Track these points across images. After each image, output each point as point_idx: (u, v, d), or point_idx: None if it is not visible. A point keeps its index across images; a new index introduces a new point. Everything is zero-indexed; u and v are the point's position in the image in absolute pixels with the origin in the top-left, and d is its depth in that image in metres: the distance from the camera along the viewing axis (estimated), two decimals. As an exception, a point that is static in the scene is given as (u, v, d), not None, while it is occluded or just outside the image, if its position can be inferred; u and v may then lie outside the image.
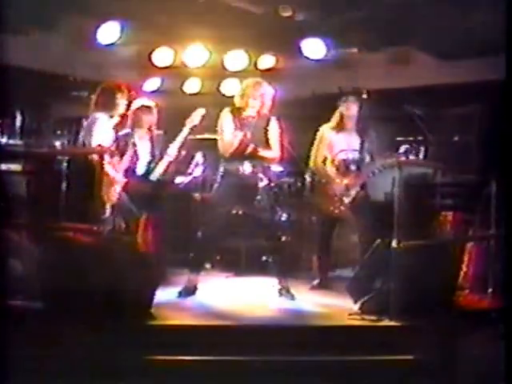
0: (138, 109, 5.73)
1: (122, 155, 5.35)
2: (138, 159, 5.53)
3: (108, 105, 5.13)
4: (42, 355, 3.71)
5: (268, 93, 5.16)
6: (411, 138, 6.29)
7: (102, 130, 5.01)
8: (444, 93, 6.37)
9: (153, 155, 5.67)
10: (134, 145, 5.58)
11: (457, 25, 5.69)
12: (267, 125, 5.12)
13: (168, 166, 5.65)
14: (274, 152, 5.15)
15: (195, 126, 5.47)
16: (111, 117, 5.14)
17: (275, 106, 5.22)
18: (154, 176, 5.63)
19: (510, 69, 4.14)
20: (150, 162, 5.66)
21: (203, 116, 5.44)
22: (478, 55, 6.01)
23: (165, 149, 5.62)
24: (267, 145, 5.12)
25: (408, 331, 4.17)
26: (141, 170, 5.63)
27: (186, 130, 5.49)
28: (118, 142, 5.47)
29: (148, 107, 5.76)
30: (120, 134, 5.64)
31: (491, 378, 3.91)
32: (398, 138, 6.40)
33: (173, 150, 5.53)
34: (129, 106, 5.44)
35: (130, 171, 5.43)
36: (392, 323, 4.28)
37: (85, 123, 5.19)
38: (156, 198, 5.67)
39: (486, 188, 4.99)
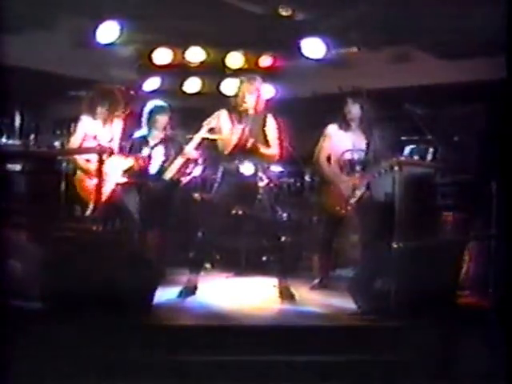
0: (151, 109, 5.76)
1: (137, 157, 5.39)
2: (151, 160, 5.56)
3: (99, 107, 5.15)
4: (42, 355, 3.70)
5: (263, 88, 5.17)
6: (411, 138, 6.29)
7: (81, 132, 5.05)
8: (444, 92, 6.37)
9: (167, 155, 5.70)
10: (148, 146, 5.61)
11: (457, 24, 5.69)
12: (264, 122, 5.10)
13: (182, 166, 5.68)
14: (273, 149, 5.14)
15: (213, 128, 5.47)
16: (95, 119, 5.15)
17: (272, 104, 5.22)
18: (167, 175, 5.65)
19: (511, 68, 4.14)
20: (164, 162, 5.69)
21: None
22: (478, 55, 6.01)
23: (180, 148, 5.64)
24: (265, 142, 5.11)
25: (408, 331, 4.16)
26: (154, 169, 5.66)
27: (203, 131, 5.49)
28: (133, 144, 5.52)
29: (162, 107, 5.78)
30: (136, 136, 5.68)
31: (491, 378, 3.91)
32: (399, 138, 6.39)
33: (189, 150, 5.55)
34: (125, 107, 5.44)
35: (142, 172, 5.47)
36: (392, 323, 4.27)
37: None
38: (168, 197, 5.70)
39: (487, 188, 4.99)
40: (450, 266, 4.69)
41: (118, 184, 5.20)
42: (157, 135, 5.78)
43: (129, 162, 5.34)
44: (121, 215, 5.22)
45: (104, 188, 4.93)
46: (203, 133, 5.40)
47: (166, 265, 5.53)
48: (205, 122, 5.39)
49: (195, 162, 5.98)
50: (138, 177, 5.50)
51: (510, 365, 3.80)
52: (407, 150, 6.07)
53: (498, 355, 3.92)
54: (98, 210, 4.65)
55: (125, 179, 5.29)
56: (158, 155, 5.69)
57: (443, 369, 4.03)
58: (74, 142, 5.10)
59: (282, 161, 5.66)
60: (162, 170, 5.70)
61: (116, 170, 5.19)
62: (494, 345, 4.02)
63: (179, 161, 5.64)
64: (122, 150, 5.35)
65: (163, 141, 5.78)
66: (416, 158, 5.78)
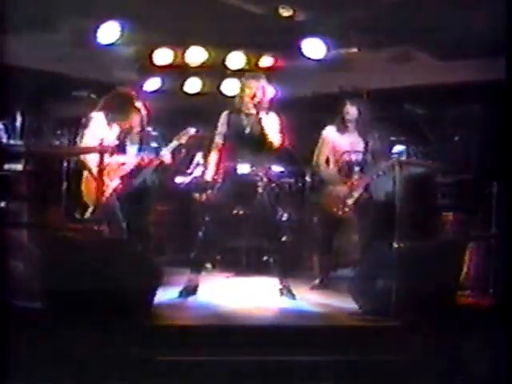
0: None
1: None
2: (127, 160, 5.56)
3: (116, 111, 5.12)
4: (42, 355, 3.70)
5: (267, 87, 5.18)
6: (411, 139, 6.29)
7: (94, 130, 5.03)
8: (444, 93, 6.37)
9: (142, 156, 5.70)
10: (125, 146, 5.61)
11: (457, 25, 5.69)
12: (266, 118, 5.09)
13: (156, 168, 5.70)
14: (274, 139, 5.06)
15: (181, 144, 5.55)
16: (110, 122, 5.13)
17: (272, 104, 5.23)
18: (142, 176, 5.67)
19: (510, 69, 4.14)
20: (139, 163, 5.68)
21: (191, 137, 5.51)
22: (478, 55, 6.01)
23: (155, 149, 5.67)
24: (267, 136, 5.08)
25: (408, 331, 4.16)
26: (129, 171, 5.66)
27: (172, 145, 5.58)
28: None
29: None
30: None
31: (492, 378, 3.91)
32: (399, 138, 6.40)
33: (164, 153, 5.59)
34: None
35: (119, 173, 5.46)
36: (392, 323, 4.28)
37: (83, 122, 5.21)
38: (142, 197, 5.70)
39: (487, 188, 4.99)
40: (450, 265, 4.68)
41: (118, 184, 5.20)
42: (132, 136, 5.77)
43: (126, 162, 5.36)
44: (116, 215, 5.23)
45: (107, 188, 4.95)
46: (173, 146, 5.49)
47: (167, 265, 5.53)
48: (175, 137, 5.54)
49: (182, 162, 6.03)
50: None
51: (510, 365, 3.80)
52: (407, 150, 6.08)
53: (498, 355, 3.92)
54: (100, 210, 4.66)
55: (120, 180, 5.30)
56: (133, 156, 5.68)
57: (443, 369, 4.02)
58: (86, 140, 5.02)
59: (283, 159, 5.66)
60: (137, 171, 5.71)
61: (116, 171, 5.21)
62: (494, 344, 4.02)
63: (154, 163, 5.67)
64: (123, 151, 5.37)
65: (138, 142, 5.78)
66: (415, 158, 5.78)
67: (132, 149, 5.73)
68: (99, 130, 5.02)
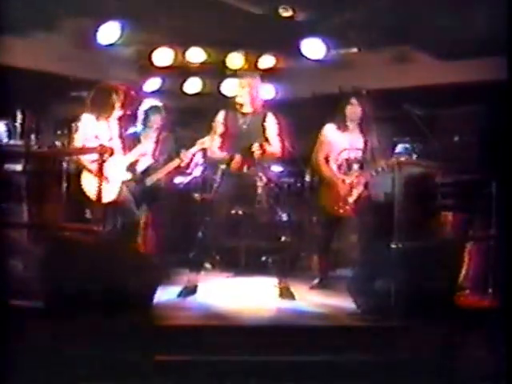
0: (147, 109, 5.80)
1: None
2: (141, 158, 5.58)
3: (100, 106, 5.16)
4: (42, 355, 3.71)
5: (256, 84, 5.17)
6: (411, 138, 6.30)
7: (84, 131, 5.06)
8: (444, 93, 6.37)
9: (157, 156, 5.71)
10: (140, 143, 5.63)
11: (457, 25, 5.70)
12: (264, 120, 5.09)
13: (172, 170, 5.71)
14: (275, 147, 5.12)
15: (203, 149, 5.53)
16: (98, 118, 5.16)
17: (272, 104, 5.23)
18: (156, 176, 5.68)
19: (511, 69, 4.14)
20: (154, 162, 5.70)
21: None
22: (478, 55, 6.01)
23: (172, 151, 5.69)
24: (266, 141, 5.09)
25: (408, 331, 4.16)
26: (142, 168, 5.67)
27: (194, 149, 5.56)
28: (125, 141, 5.53)
29: (156, 107, 5.81)
30: (128, 133, 5.70)
31: (491, 378, 3.91)
32: (399, 138, 6.41)
33: (185, 155, 5.61)
34: (125, 106, 5.46)
35: (131, 170, 5.48)
36: (392, 323, 4.28)
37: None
38: (153, 197, 5.72)
39: (487, 188, 4.99)
40: (449, 265, 4.68)
41: (123, 182, 5.21)
42: (149, 134, 5.79)
43: (129, 158, 5.36)
44: (125, 213, 5.24)
45: (109, 187, 4.95)
46: (195, 150, 5.47)
47: (167, 265, 5.54)
48: (199, 141, 5.44)
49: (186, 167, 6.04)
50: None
51: (510, 365, 3.80)
52: (406, 150, 6.08)
53: (498, 355, 3.92)
54: (105, 210, 4.67)
55: (129, 176, 5.31)
56: (148, 155, 5.69)
57: (443, 369, 4.02)
58: (77, 141, 5.10)
59: (283, 160, 5.67)
60: (149, 170, 5.72)
61: (120, 169, 5.21)
62: (494, 345, 4.02)
63: (172, 164, 5.67)
64: (123, 147, 5.38)
65: (156, 141, 5.79)
66: (415, 158, 5.79)
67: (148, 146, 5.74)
68: (89, 130, 5.06)
